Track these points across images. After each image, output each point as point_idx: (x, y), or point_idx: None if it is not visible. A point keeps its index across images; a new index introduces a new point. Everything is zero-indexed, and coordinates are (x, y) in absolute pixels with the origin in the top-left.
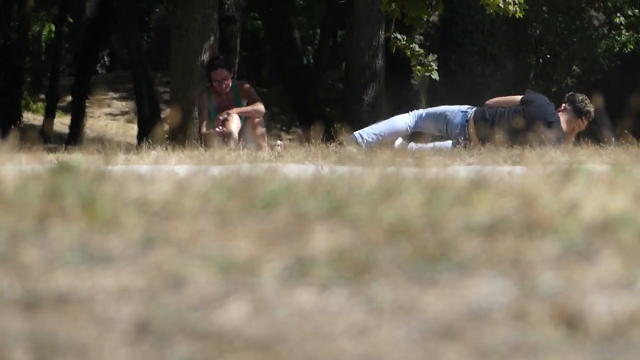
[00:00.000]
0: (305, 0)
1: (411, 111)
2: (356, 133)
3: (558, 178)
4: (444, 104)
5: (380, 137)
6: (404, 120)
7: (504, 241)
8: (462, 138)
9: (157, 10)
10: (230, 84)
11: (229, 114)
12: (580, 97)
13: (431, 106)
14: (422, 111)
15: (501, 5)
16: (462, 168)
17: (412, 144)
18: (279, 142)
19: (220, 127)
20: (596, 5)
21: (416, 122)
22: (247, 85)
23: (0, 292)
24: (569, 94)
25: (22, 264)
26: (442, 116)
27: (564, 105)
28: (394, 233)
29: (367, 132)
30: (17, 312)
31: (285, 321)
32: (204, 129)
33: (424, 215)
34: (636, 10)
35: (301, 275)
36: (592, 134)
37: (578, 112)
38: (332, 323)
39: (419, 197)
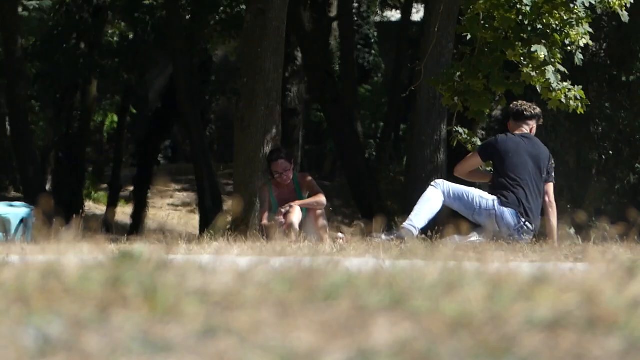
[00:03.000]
0: (369, 93)
1: (432, 184)
2: (408, 227)
3: (621, 274)
4: None
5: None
6: (439, 200)
7: (567, 337)
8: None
9: (219, 101)
10: (291, 176)
11: (291, 206)
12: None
13: None
14: (447, 187)
15: (563, 101)
16: (524, 265)
17: (456, 237)
18: (340, 234)
19: (282, 219)
20: None
21: (445, 197)
22: (308, 178)
23: None
24: None
25: (84, 352)
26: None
27: None
28: (455, 326)
29: (419, 221)
30: None
31: None
32: (265, 221)
33: (486, 309)
34: None
35: None
36: None
37: None
38: None
39: (481, 291)
